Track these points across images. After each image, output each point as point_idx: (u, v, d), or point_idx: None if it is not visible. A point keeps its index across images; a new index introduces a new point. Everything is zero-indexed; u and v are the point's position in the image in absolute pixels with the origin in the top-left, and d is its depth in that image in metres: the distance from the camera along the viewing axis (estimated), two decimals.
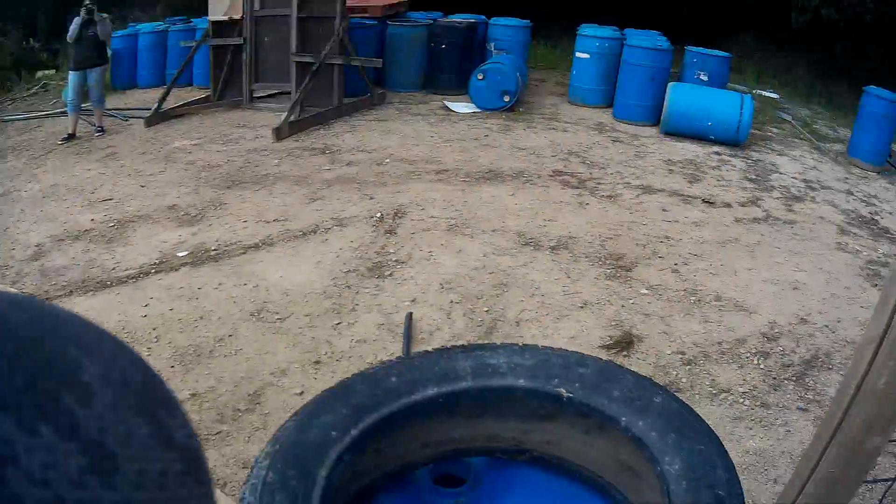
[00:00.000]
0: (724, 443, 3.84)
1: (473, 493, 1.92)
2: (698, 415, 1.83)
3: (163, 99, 9.88)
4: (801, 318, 5.63)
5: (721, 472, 1.63)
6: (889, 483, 1.89)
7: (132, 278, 5.72)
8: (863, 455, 1.23)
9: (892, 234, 7.67)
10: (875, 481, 3.78)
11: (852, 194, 8.94)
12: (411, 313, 5.10)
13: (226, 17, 10.30)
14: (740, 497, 1.59)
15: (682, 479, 1.60)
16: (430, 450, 1.97)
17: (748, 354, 5.09)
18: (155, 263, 5.84)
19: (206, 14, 10.65)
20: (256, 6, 10.16)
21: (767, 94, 14.68)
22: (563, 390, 1.85)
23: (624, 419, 1.78)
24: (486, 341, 4.66)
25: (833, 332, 5.46)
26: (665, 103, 10.39)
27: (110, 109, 10.06)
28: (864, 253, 7.14)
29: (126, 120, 9.98)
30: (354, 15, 11.00)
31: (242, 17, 10.18)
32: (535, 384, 1.87)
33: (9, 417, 0.32)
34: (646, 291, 5.78)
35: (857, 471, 1.25)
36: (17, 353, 0.35)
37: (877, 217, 8.36)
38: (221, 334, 4.94)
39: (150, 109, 9.80)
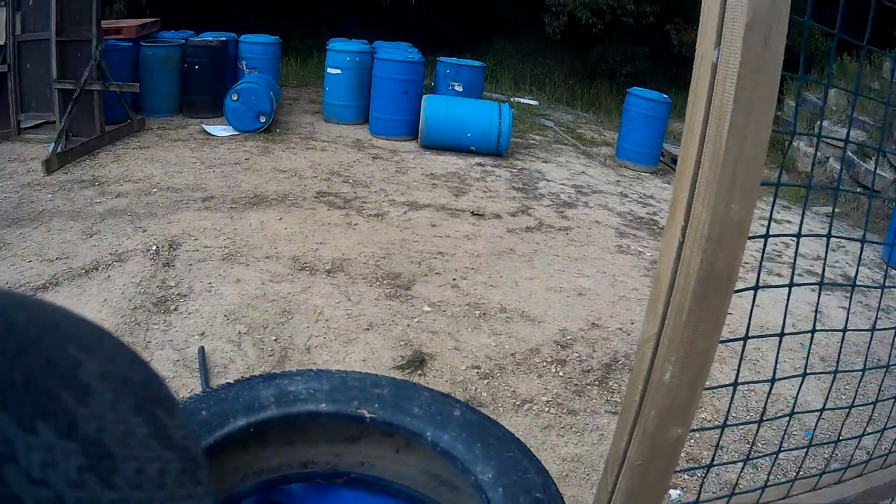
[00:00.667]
0: (537, 452, 3.87)
1: None
2: (500, 424, 1.87)
3: None
4: (592, 323, 5.83)
5: (534, 476, 1.66)
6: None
7: None
8: (666, 446, 1.25)
9: None
10: (697, 467, 3.94)
11: (627, 196, 9.38)
12: (203, 347, 5.02)
13: None
14: (558, 498, 1.62)
15: (498, 486, 1.63)
16: (250, 480, 1.92)
17: (544, 363, 5.20)
18: None
19: None
20: (18, 30, 9.61)
21: (526, 101, 15.22)
22: (364, 411, 1.86)
23: (429, 434, 1.80)
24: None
25: (627, 334, 5.70)
26: (421, 117, 10.61)
27: None
28: (647, 254, 7.50)
29: None
30: (109, 36, 10.68)
31: (5, 42, 9.64)
32: (337, 407, 1.87)
33: (8, 416, 0.32)
34: (428, 309, 5.82)
35: (664, 462, 1.29)
36: (16, 352, 0.35)
37: (655, 217, 8.82)
38: None
39: None
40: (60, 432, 0.34)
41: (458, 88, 11.76)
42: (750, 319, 1.36)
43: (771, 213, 1.39)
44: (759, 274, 1.35)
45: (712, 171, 1.07)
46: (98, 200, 7.69)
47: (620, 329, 5.76)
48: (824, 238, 1.42)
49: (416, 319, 5.63)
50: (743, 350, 1.35)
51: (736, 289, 1.19)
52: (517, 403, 4.71)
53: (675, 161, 7.77)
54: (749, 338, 1.31)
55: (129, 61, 11.18)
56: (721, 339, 1.22)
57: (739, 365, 1.31)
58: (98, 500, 0.33)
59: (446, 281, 6.36)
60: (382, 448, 1.94)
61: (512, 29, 19.43)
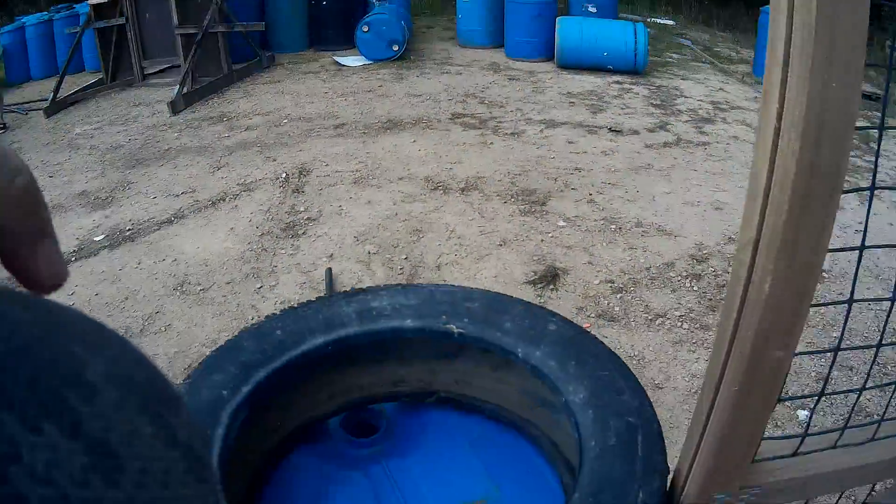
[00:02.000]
0: (667, 367, 3.65)
1: (388, 439, 1.82)
2: (598, 339, 1.72)
3: (57, 88, 9.59)
4: (729, 238, 5.56)
5: (629, 398, 1.52)
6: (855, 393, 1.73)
7: None
8: (766, 371, 1.09)
9: None
10: (802, 397, 3.66)
11: None
12: (330, 269, 5.06)
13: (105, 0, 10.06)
14: (653, 423, 1.47)
15: (589, 408, 1.50)
16: (338, 400, 1.87)
17: (679, 278, 5.00)
18: (74, 251, 5.65)
19: None
20: None
21: (663, 21, 14.72)
22: (452, 326, 1.75)
23: (520, 350, 1.68)
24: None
25: None
26: (556, 38, 10.32)
27: (8, 105, 9.76)
28: None
29: (25, 114, 9.68)
30: None
31: None
32: (423, 323, 1.77)
33: (13, 416, 0.32)
34: (563, 224, 5.67)
35: (764, 389, 1.12)
36: (21, 351, 0.35)
37: None
38: (149, 312, 4.85)
39: (47, 100, 9.52)
40: (65, 431, 0.33)
41: (592, 10, 11.30)
42: (866, 224, 1.14)
43: (886, 91, 1.15)
44: (875, 173, 1.12)
45: (804, 44, 0.86)
46: (226, 135, 7.83)
47: None
48: None
49: (550, 234, 5.51)
50: (859, 261, 1.13)
51: (845, 189, 0.98)
52: (649, 318, 4.55)
53: None
54: (866, 247, 1.09)
55: (255, 1, 11.27)
56: (830, 247, 1.01)
57: (855, 279, 1.10)
58: (102, 500, 0.33)
59: (582, 196, 6.19)
60: (479, 366, 1.83)
61: None
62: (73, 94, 9.83)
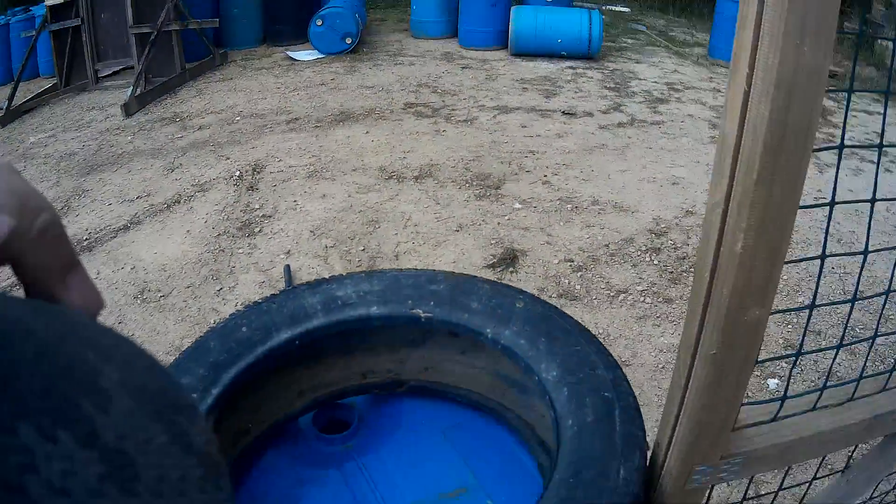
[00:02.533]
0: (633, 343, 3.63)
1: (361, 434, 1.78)
2: (567, 314, 1.68)
3: (12, 96, 9.37)
4: (687, 211, 5.58)
5: (603, 372, 1.49)
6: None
7: None
8: (744, 330, 1.08)
9: None
10: (785, 357, 3.67)
11: (720, 91, 8.99)
12: (288, 265, 5.01)
13: (60, 0, 9.81)
14: (629, 397, 1.44)
15: (563, 385, 1.46)
16: (307, 397, 1.82)
17: (639, 253, 5.00)
18: None
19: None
20: None
21: (618, 8, 14.80)
22: (419, 311, 1.71)
23: (488, 330, 1.64)
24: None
25: None
26: (510, 28, 10.30)
27: None
28: None
29: None
30: None
31: None
32: (389, 309, 1.73)
33: (28, 425, 0.31)
34: (519, 206, 5.66)
35: (743, 350, 1.11)
36: (36, 359, 0.34)
37: None
38: (110, 323, 4.70)
39: (2, 109, 9.27)
40: (80, 440, 0.33)
41: None
42: (836, 183, 1.12)
43: (853, 73, 1.12)
44: (843, 135, 1.10)
45: (778, 8, 0.83)
46: (179, 135, 7.74)
47: None
48: None
49: (506, 217, 5.49)
50: (829, 218, 1.11)
51: (816, 147, 0.95)
52: (611, 294, 4.54)
53: None
54: (835, 203, 1.06)
55: None
56: (801, 205, 0.99)
57: (826, 237, 1.07)
58: None
59: (537, 178, 6.18)
60: (447, 350, 1.79)
61: None
62: (26, 101, 9.63)
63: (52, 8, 9.85)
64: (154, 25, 9.29)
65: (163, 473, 0.36)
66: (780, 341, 4.01)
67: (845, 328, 1.45)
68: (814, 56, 0.86)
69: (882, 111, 7.41)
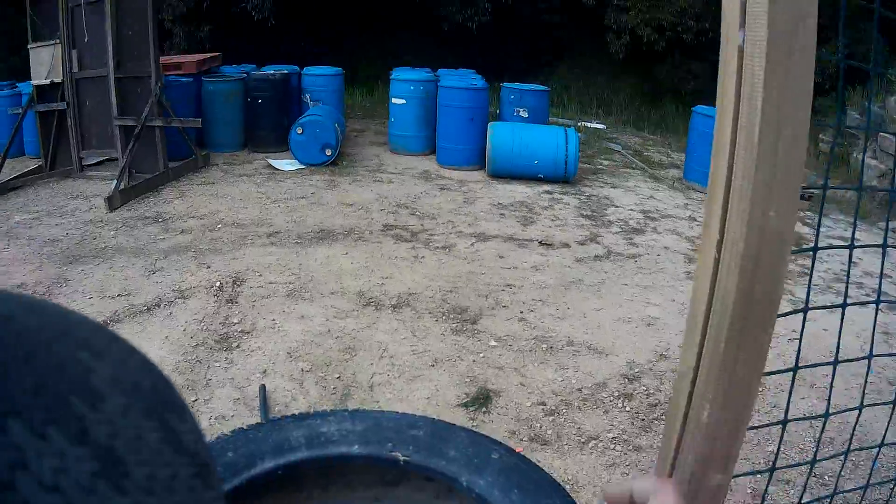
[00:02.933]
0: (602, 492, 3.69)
1: None
2: (540, 467, 1.76)
3: None
4: (661, 355, 5.66)
5: None
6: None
7: None
8: (707, 494, 1.10)
9: None
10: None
11: (695, 220, 9.19)
12: (264, 385, 5.01)
13: (47, 81, 10.06)
14: None
15: None
16: None
17: (611, 398, 5.05)
18: None
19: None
20: (75, 67, 9.90)
21: (593, 125, 15.18)
22: (398, 454, 1.78)
23: (464, 479, 1.71)
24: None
25: None
26: (487, 145, 10.55)
27: None
28: None
29: None
30: (169, 72, 10.95)
31: (62, 79, 9.94)
32: (370, 450, 1.80)
33: (19, 422, 0.32)
34: (495, 343, 5.71)
35: None
36: (27, 357, 0.35)
37: None
38: None
39: None
40: (72, 438, 0.34)
41: (524, 114, 11.64)
42: (800, 346, 1.20)
43: (819, 218, 1.22)
44: (808, 293, 1.18)
45: (745, 175, 0.92)
46: (161, 237, 7.83)
47: None
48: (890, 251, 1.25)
49: (481, 355, 5.53)
50: (793, 381, 1.19)
51: (780, 312, 1.03)
52: (582, 441, 4.57)
53: None
54: (799, 368, 1.14)
55: (192, 97, 11.42)
56: (766, 370, 1.06)
57: (789, 400, 1.15)
58: None
59: (514, 314, 6.25)
60: (423, 493, 1.84)
61: (575, 51, 19.44)
62: (13, 178, 9.79)
63: (39, 88, 10.09)
64: (138, 119, 9.46)
65: (154, 471, 0.37)
66: (749, 490, 4.04)
67: (807, 479, 1.52)
68: (779, 222, 0.94)
69: (863, 236, 7.54)
